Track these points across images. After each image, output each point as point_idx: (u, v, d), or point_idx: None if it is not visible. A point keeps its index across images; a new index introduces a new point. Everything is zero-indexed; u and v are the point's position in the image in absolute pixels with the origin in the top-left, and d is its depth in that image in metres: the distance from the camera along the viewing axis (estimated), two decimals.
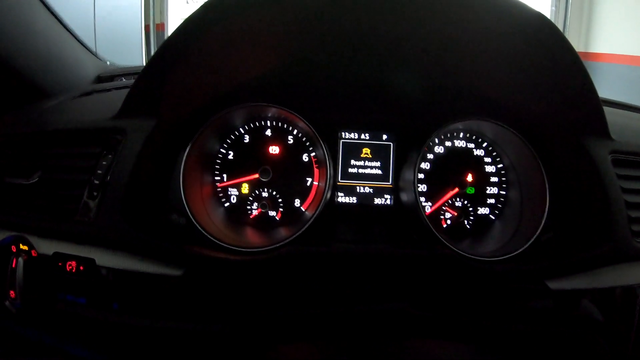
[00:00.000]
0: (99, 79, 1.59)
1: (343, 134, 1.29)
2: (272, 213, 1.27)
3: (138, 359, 1.06)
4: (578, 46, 5.93)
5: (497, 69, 1.11)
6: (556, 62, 0.99)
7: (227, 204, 1.27)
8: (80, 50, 1.52)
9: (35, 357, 1.09)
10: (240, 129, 1.27)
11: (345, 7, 0.98)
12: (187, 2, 6.30)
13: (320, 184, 1.25)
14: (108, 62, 1.74)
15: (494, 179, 1.29)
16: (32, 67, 1.27)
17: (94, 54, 1.64)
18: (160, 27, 6.12)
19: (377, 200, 1.29)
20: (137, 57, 5.39)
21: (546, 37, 0.95)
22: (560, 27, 5.89)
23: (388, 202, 1.29)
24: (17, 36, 1.20)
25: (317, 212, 1.11)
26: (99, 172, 1.03)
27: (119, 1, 5.47)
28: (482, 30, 0.99)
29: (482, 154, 1.30)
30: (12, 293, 0.98)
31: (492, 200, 1.29)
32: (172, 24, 6.23)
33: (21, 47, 1.22)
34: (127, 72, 1.64)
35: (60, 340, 1.07)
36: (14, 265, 0.98)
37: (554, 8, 6.25)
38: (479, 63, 1.12)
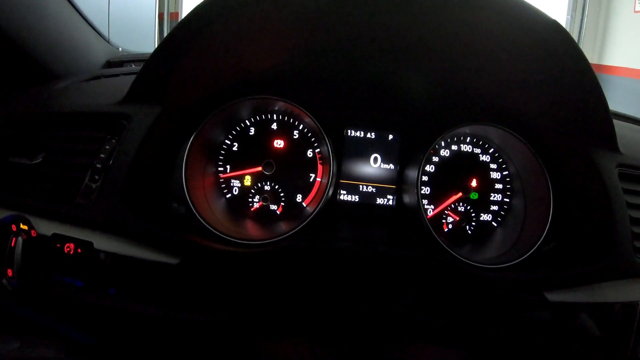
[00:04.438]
0: (109, 64, 1.59)
1: (349, 131, 1.29)
2: (273, 207, 1.27)
3: (132, 344, 1.07)
4: (592, 58, 5.91)
5: (508, 75, 1.10)
6: (568, 72, 0.98)
7: (228, 195, 1.27)
8: (91, 34, 1.53)
9: (31, 336, 1.10)
10: (246, 121, 1.27)
11: (357, 6, 0.97)
12: None
13: (323, 180, 1.25)
14: (120, 49, 1.74)
15: (498, 186, 1.29)
16: (41, 49, 1.27)
17: (106, 40, 1.64)
18: (174, 16, 6.14)
19: (379, 200, 1.28)
20: (150, 45, 5.41)
21: (560, 45, 0.93)
22: (575, 37, 5.88)
23: (390, 202, 1.28)
24: (29, 17, 1.20)
25: (318, 208, 1.11)
26: (102, 156, 1.03)
27: None
28: (495, 35, 0.98)
29: (488, 160, 1.29)
30: (9, 271, 0.99)
31: (495, 207, 1.28)
32: (186, 13, 6.24)
33: (32, 28, 1.22)
34: (137, 59, 1.64)
35: (55, 320, 1.07)
36: (13, 244, 0.98)
37: (569, 17, 6.22)
38: (490, 68, 1.11)
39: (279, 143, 1.27)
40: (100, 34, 1.59)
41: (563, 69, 0.98)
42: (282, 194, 1.27)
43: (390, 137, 1.29)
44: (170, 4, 6.10)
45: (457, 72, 1.17)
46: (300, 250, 1.05)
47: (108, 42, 1.67)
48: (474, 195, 1.27)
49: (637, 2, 5.50)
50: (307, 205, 1.26)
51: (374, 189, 1.28)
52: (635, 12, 5.51)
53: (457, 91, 1.22)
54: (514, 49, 1.00)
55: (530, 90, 1.11)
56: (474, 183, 1.27)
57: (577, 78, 0.98)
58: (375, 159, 1.29)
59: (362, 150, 1.29)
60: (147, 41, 5.41)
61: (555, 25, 0.91)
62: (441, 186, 1.27)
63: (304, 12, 1.00)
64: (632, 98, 5.24)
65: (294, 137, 1.27)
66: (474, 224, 1.28)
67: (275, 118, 1.28)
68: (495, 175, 1.29)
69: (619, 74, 5.70)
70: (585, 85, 0.98)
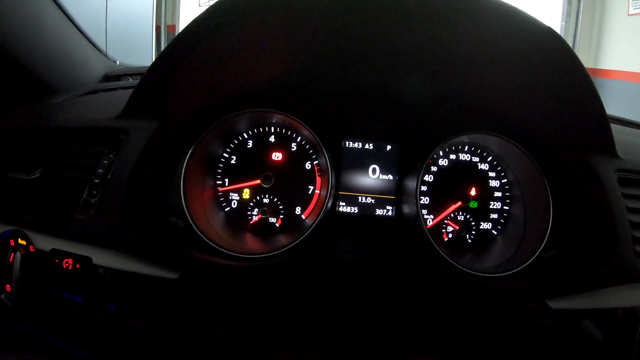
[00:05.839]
0: (106, 78, 1.59)
1: (347, 143, 1.29)
2: (272, 220, 1.26)
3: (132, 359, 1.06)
4: (587, 62, 5.94)
5: (505, 82, 1.11)
6: (565, 78, 0.98)
7: (227, 209, 1.27)
8: (89, 48, 1.53)
9: (29, 352, 1.09)
10: (244, 134, 1.27)
11: (354, 17, 0.98)
12: (200, 5, 6.35)
13: (321, 192, 1.25)
14: (118, 62, 1.75)
15: (497, 194, 1.29)
16: (39, 63, 1.27)
17: (103, 53, 1.65)
18: (172, 28, 6.18)
19: (379, 211, 1.28)
20: (147, 58, 5.42)
21: (555, 52, 0.94)
22: (570, 42, 5.91)
23: (390, 213, 1.28)
24: (26, 32, 1.21)
25: (318, 220, 1.11)
26: (100, 171, 1.03)
27: (131, 2, 5.50)
28: (491, 43, 0.99)
29: (487, 168, 1.29)
30: (8, 287, 0.98)
31: (495, 215, 1.28)
32: (183, 26, 6.27)
33: (29, 42, 1.22)
34: (134, 72, 1.65)
35: (54, 336, 1.07)
36: (11, 259, 0.98)
37: (564, 23, 6.26)
38: (487, 76, 1.11)
39: (277, 156, 1.27)
40: (97, 48, 1.60)
41: (559, 75, 0.98)
42: (281, 207, 1.26)
43: (389, 147, 1.29)
44: (168, 17, 6.13)
45: (455, 82, 1.17)
46: (300, 263, 1.05)
47: (105, 55, 1.67)
48: (474, 204, 1.27)
49: (630, 5, 5.53)
50: (306, 218, 1.26)
51: (373, 200, 1.28)
52: (629, 15, 5.55)
53: (455, 100, 1.23)
54: (511, 57, 1.01)
55: (527, 98, 1.11)
56: (473, 192, 1.27)
57: (573, 84, 0.99)
58: (374, 170, 1.29)
59: (361, 161, 1.29)
60: (144, 54, 5.42)
61: (550, 32, 0.91)
62: (440, 196, 1.27)
63: (299, 25, 1.00)
64: (628, 101, 5.25)
65: (292, 149, 1.27)
66: (474, 232, 1.28)
67: (273, 131, 1.28)
68: (494, 183, 1.29)
69: (615, 77, 5.73)
70: (582, 91, 0.99)
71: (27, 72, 1.25)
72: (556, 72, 0.98)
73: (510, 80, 1.09)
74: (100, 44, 1.61)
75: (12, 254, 0.98)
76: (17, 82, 1.26)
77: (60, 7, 1.34)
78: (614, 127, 1.08)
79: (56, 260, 0.98)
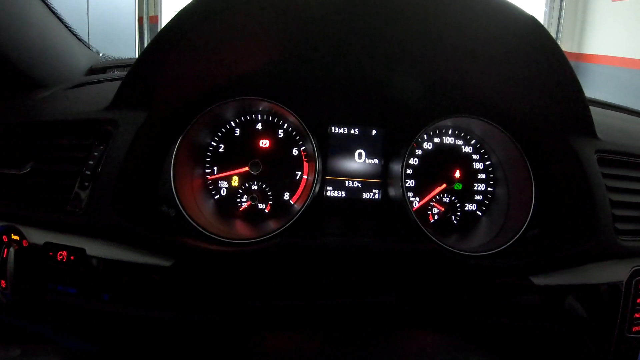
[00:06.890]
0: (92, 71, 1.58)
1: (333, 128, 1.30)
2: (261, 206, 1.28)
3: (128, 348, 1.07)
4: (571, 47, 5.95)
5: (488, 68, 1.13)
6: (545, 64, 1.01)
7: (217, 196, 1.28)
8: (73, 41, 1.52)
9: (26, 346, 1.09)
10: (231, 122, 1.28)
11: (339, 6, 0.99)
12: None
13: (309, 177, 1.26)
14: (101, 54, 1.73)
15: (481, 176, 1.31)
16: (24, 58, 1.27)
17: (87, 46, 1.64)
18: (154, 19, 6.09)
19: (366, 195, 1.30)
20: (130, 49, 5.36)
21: (537, 39, 0.96)
22: (553, 28, 5.92)
23: (376, 196, 1.30)
24: (10, 27, 1.20)
25: (306, 205, 1.12)
26: (91, 163, 1.03)
27: None
28: (474, 30, 1.00)
29: (471, 151, 1.31)
30: (2, 283, 0.98)
31: (479, 197, 1.31)
32: (166, 17, 6.21)
33: (14, 37, 1.22)
34: (119, 64, 1.64)
35: (50, 330, 1.07)
36: (5, 255, 0.98)
37: (547, 9, 6.26)
38: (470, 62, 1.13)
39: (264, 143, 1.28)
40: (81, 41, 1.58)
41: (540, 62, 1.00)
42: (269, 193, 1.28)
43: (374, 132, 1.31)
44: (150, 8, 6.04)
45: (438, 67, 1.19)
46: (290, 246, 1.07)
47: (89, 47, 1.66)
48: (458, 186, 1.30)
49: None
50: (294, 203, 1.27)
51: (359, 184, 1.30)
52: (613, 1, 5.58)
53: (439, 86, 1.24)
54: (494, 44, 1.03)
55: (509, 83, 1.13)
56: (457, 174, 1.30)
57: (554, 70, 1.01)
58: (360, 155, 1.31)
59: (347, 146, 1.31)
60: (127, 45, 5.36)
61: (532, 20, 0.93)
62: (426, 178, 1.29)
63: (287, 15, 1.01)
64: (611, 85, 5.30)
65: (279, 136, 1.29)
66: (459, 214, 1.30)
67: (260, 118, 1.29)
68: (478, 165, 1.31)
69: (599, 62, 5.76)
70: (562, 75, 1.01)
71: (12, 68, 1.24)
72: (537, 58, 1.00)
73: (493, 65, 1.11)
74: (83, 35, 1.60)
75: (6, 250, 0.98)
76: (3, 78, 1.25)
77: (43, 0, 1.33)
78: (593, 109, 1.10)
79: (50, 253, 0.99)
